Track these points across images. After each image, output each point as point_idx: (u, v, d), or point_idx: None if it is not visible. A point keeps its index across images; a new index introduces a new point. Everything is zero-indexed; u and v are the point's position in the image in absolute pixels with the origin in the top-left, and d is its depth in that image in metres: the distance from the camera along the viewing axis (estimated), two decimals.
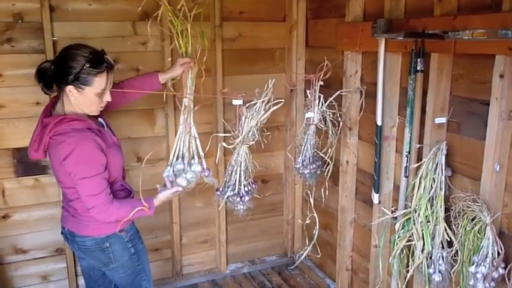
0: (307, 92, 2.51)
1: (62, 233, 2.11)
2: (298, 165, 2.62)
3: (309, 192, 2.66)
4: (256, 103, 2.25)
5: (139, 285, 2.14)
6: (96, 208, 1.85)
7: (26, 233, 2.73)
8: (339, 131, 2.57)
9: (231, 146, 2.34)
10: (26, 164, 2.64)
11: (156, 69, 2.72)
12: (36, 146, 1.92)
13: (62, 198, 2.07)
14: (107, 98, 1.90)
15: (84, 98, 1.84)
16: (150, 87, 2.24)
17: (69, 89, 1.81)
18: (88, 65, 1.78)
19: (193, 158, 2.23)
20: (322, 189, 2.64)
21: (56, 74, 1.84)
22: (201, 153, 2.25)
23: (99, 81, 1.82)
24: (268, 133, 2.34)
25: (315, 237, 2.51)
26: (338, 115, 2.54)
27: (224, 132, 2.82)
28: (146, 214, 1.95)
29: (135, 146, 2.86)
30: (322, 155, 2.58)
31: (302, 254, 2.51)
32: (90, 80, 1.80)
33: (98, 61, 1.81)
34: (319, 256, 2.71)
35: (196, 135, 2.23)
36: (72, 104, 1.86)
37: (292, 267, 3.26)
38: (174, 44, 2.20)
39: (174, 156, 2.22)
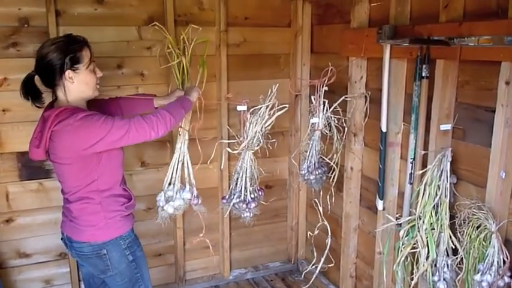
0: (312, 97, 2.51)
1: (61, 239, 2.10)
2: (303, 171, 2.61)
3: (316, 200, 2.64)
4: (260, 108, 2.26)
5: None
6: (146, 126, 1.87)
7: (29, 237, 2.73)
8: (343, 137, 2.57)
9: (236, 152, 2.34)
10: (30, 168, 2.64)
11: (161, 75, 2.76)
12: (37, 142, 1.91)
13: (63, 203, 2.07)
14: (99, 73, 1.97)
15: (83, 78, 1.89)
16: (143, 109, 2.31)
17: (68, 75, 1.85)
18: (70, 46, 1.85)
19: (184, 185, 2.29)
20: (328, 196, 2.62)
21: (46, 76, 1.89)
22: (193, 181, 2.30)
23: (86, 54, 1.89)
24: (274, 140, 2.35)
25: (328, 246, 2.48)
26: (343, 121, 2.54)
27: (228, 138, 2.81)
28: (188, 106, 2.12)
29: (139, 150, 2.86)
30: (327, 160, 2.57)
31: (315, 267, 2.49)
32: (79, 57, 1.87)
33: (75, 39, 1.90)
34: (332, 265, 2.68)
35: (190, 164, 2.29)
36: (73, 92, 1.89)
37: (300, 277, 3.21)
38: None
39: (166, 182, 2.27)
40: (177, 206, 2.24)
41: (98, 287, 2.19)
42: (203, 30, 2.56)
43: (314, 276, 2.58)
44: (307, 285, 2.78)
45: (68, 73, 1.85)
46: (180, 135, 2.29)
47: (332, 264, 2.69)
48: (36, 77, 1.92)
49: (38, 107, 1.97)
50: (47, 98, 1.99)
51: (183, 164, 2.28)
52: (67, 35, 1.92)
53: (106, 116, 1.86)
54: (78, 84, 1.89)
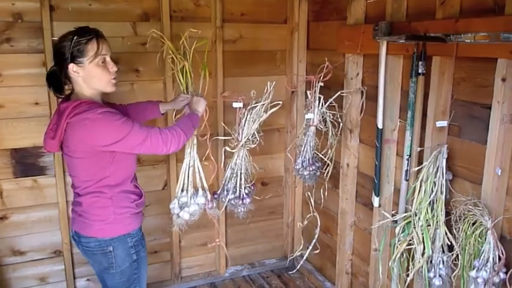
0: (308, 92, 2.51)
1: (72, 236, 2.08)
2: (297, 166, 2.61)
3: (309, 194, 2.65)
4: (256, 106, 2.25)
5: None
6: (161, 140, 1.88)
7: (24, 235, 2.72)
8: (338, 132, 2.56)
9: (234, 150, 2.34)
10: (24, 165, 2.63)
11: (157, 72, 2.75)
12: (53, 133, 1.90)
13: (72, 198, 2.06)
14: (112, 67, 1.92)
15: (88, 72, 1.86)
16: (150, 115, 2.33)
17: (71, 68, 1.85)
18: (76, 37, 1.83)
19: (197, 190, 2.30)
20: (322, 190, 2.63)
21: (59, 68, 1.89)
22: (206, 186, 2.31)
23: (92, 48, 1.85)
24: (261, 134, 2.35)
25: (316, 235, 2.49)
26: (338, 116, 2.53)
27: (224, 135, 2.81)
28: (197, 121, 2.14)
29: None
30: (321, 156, 2.57)
31: (302, 255, 2.50)
32: (83, 50, 1.84)
33: (84, 31, 1.87)
34: (318, 251, 2.69)
35: (201, 168, 2.29)
36: (83, 86, 1.89)
37: (293, 271, 3.23)
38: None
39: (179, 188, 2.28)
40: (192, 211, 2.25)
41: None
42: (199, 26, 2.56)
43: (300, 263, 2.58)
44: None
45: (72, 66, 1.85)
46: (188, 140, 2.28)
47: (317, 251, 2.72)
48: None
49: (59, 98, 1.99)
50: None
51: (193, 168, 2.28)
52: (80, 28, 1.89)
53: (126, 118, 1.85)
54: (84, 78, 1.88)
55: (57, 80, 1.92)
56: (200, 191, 2.29)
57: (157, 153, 1.94)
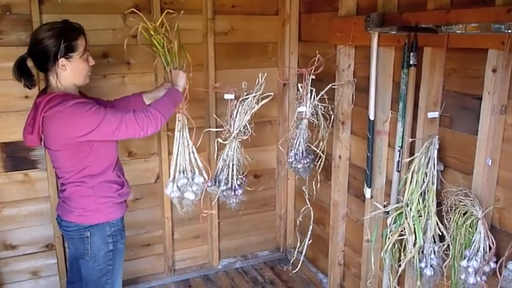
0: (299, 85, 2.50)
1: (56, 219, 2.13)
2: (290, 159, 2.61)
3: (304, 187, 2.66)
4: (247, 97, 2.25)
5: (102, 287, 2.07)
6: (137, 124, 1.88)
7: (15, 229, 2.70)
8: (330, 125, 2.56)
9: (226, 142, 2.33)
10: (15, 159, 2.61)
11: (148, 64, 2.73)
12: (31, 128, 1.93)
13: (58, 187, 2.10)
14: (91, 61, 1.99)
15: (76, 66, 1.91)
16: (135, 107, 2.29)
17: (61, 63, 1.87)
18: (66, 34, 1.86)
19: (193, 171, 2.32)
20: (314, 182, 2.63)
21: (39, 61, 1.90)
22: (201, 165, 2.32)
23: (81, 43, 1.91)
24: (252, 125, 2.34)
25: (310, 227, 2.49)
26: (330, 108, 2.53)
27: (216, 127, 2.80)
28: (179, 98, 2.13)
29: (126, 140, 2.83)
30: (314, 148, 2.57)
31: (296, 248, 2.51)
32: (74, 46, 1.88)
33: (71, 27, 1.91)
34: (310, 242, 2.71)
35: (194, 149, 2.30)
36: (65, 79, 1.91)
37: (289, 266, 3.23)
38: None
39: (175, 171, 2.28)
40: (195, 190, 2.28)
41: (78, 270, 2.16)
42: (190, 18, 2.54)
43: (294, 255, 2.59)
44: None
45: (62, 61, 1.87)
46: (179, 120, 2.28)
47: (310, 241, 2.72)
48: (29, 59, 1.93)
49: (30, 88, 2.00)
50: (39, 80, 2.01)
51: (188, 150, 2.29)
52: (64, 21, 1.92)
53: (98, 106, 1.86)
54: (70, 72, 1.91)
55: (27, 70, 1.94)
56: (196, 171, 2.31)
57: (135, 137, 1.93)
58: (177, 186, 2.28)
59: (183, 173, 2.29)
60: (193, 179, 2.31)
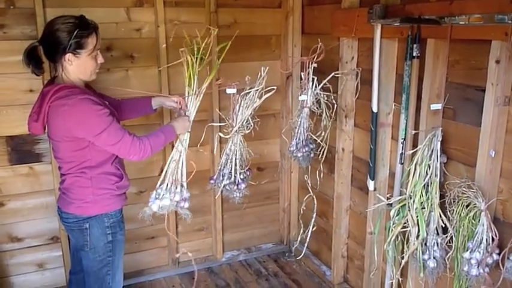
0: (301, 73, 2.50)
1: (57, 211, 2.14)
2: (292, 148, 2.62)
3: (306, 176, 2.66)
4: (250, 91, 2.24)
5: (103, 278, 2.08)
6: (129, 150, 1.92)
7: (20, 221, 2.73)
8: (333, 114, 2.56)
9: (228, 136, 2.33)
10: (20, 152, 2.63)
11: (151, 58, 2.73)
12: (36, 116, 1.95)
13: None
14: (100, 59, 1.98)
15: (82, 63, 1.91)
16: (142, 110, 2.34)
17: (68, 57, 1.88)
18: (78, 30, 1.86)
19: (176, 186, 2.16)
20: (317, 173, 2.64)
21: (49, 51, 1.92)
22: (184, 183, 2.19)
23: (91, 41, 1.91)
24: (257, 120, 2.34)
25: (313, 219, 2.49)
26: (332, 98, 2.53)
27: (219, 121, 2.80)
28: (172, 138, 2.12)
29: None
30: (315, 137, 2.58)
31: (299, 240, 2.50)
32: (84, 43, 1.88)
33: (85, 24, 1.90)
34: (314, 228, 2.71)
35: (185, 164, 2.19)
36: (71, 73, 1.92)
37: (292, 258, 3.25)
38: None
39: (160, 180, 2.19)
40: (162, 205, 2.12)
41: (79, 261, 2.16)
42: (193, 11, 2.52)
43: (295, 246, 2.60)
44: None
45: (69, 56, 1.88)
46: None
47: (315, 228, 2.72)
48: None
49: (37, 75, 2.02)
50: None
51: (176, 163, 2.17)
52: (80, 17, 1.92)
53: (104, 109, 1.88)
54: (76, 68, 1.92)
55: (37, 58, 1.95)
56: (178, 188, 2.16)
57: (125, 158, 1.99)
58: (156, 193, 2.15)
59: (166, 185, 2.15)
60: (169, 193, 2.14)
